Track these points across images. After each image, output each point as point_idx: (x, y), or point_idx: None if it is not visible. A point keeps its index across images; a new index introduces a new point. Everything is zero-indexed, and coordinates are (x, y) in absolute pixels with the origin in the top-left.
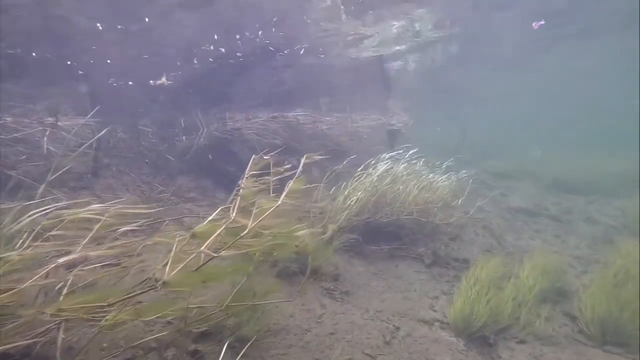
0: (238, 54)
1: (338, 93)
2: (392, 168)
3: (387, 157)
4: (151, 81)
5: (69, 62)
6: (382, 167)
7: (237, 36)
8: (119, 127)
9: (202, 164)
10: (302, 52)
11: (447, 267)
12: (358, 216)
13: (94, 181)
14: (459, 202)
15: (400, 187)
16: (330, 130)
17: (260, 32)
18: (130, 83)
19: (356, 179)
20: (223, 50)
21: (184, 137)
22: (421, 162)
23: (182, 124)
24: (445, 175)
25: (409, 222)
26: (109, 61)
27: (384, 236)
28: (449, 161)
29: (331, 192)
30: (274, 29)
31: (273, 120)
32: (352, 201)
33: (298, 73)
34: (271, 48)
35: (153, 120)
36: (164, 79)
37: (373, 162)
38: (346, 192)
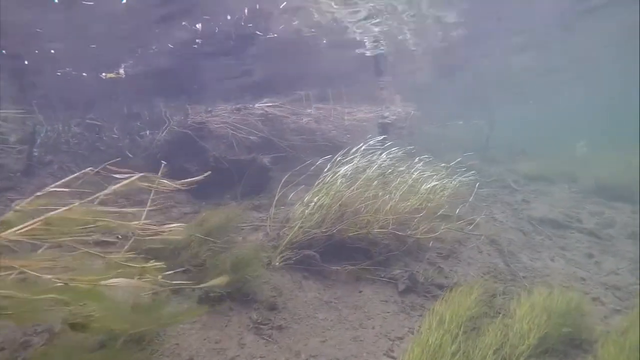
0: (205, 40)
1: (322, 82)
2: (368, 167)
3: (361, 152)
4: (103, 74)
5: (3, 51)
6: (350, 166)
7: (203, 20)
8: (74, 121)
9: (166, 162)
10: (275, 36)
11: (425, 295)
12: (319, 228)
13: (25, 181)
14: (461, 211)
15: (380, 193)
16: (317, 124)
17: (228, 16)
18: (84, 74)
19: (321, 180)
20: (188, 35)
21: (147, 132)
22: (417, 160)
23: (147, 117)
24: (446, 178)
25: (385, 236)
26: (53, 51)
27: (350, 253)
28: (470, 159)
29: (289, 198)
30: (245, 13)
31: (237, 112)
32: (311, 209)
33: (272, 61)
34: (241, 33)
35: (113, 113)
36: (121, 71)
37: (339, 158)
38: (306, 199)
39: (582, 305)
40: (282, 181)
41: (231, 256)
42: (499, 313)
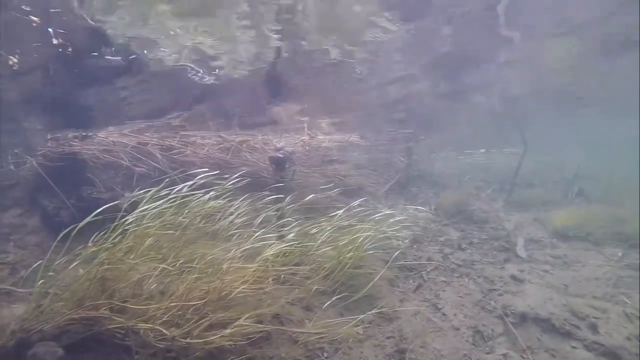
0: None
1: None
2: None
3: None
4: None
5: None
6: None
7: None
8: None
9: (30, 197)
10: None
11: None
12: (77, 311)
13: None
14: (374, 290)
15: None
16: (226, 154)
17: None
18: None
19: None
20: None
21: (34, 161)
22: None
23: (28, 144)
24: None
25: (160, 335)
26: None
27: (117, 353)
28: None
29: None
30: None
31: (77, 141)
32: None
33: (145, 84)
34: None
35: None
36: None
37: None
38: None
39: None
40: None
41: None
42: None
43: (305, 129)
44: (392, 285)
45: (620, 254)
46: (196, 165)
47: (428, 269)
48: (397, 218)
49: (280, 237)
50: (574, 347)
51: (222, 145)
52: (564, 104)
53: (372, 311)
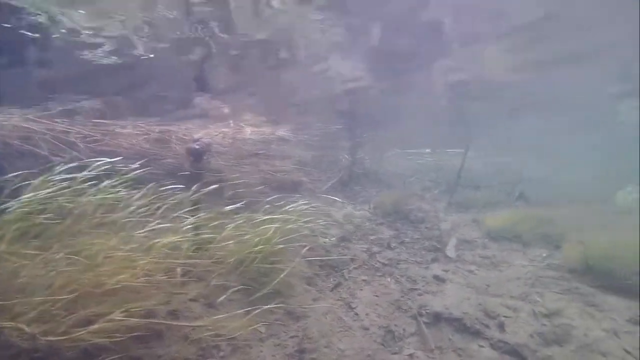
0: None
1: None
2: None
3: None
4: None
5: None
6: None
7: None
8: None
9: None
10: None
11: None
12: None
13: None
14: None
15: None
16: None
17: None
18: None
19: None
20: None
21: None
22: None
23: None
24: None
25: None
26: None
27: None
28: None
29: None
30: None
31: None
32: None
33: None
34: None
35: None
36: None
37: None
38: None
39: None
40: None
41: None
42: None
43: (229, 120)
44: (309, 284)
45: (544, 255)
46: (121, 155)
47: (350, 268)
48: (330, 215)
49: (191, 229)
50: (481, 346)
51: (147, 136)
52: (504, 104)
53: (270, 305)
